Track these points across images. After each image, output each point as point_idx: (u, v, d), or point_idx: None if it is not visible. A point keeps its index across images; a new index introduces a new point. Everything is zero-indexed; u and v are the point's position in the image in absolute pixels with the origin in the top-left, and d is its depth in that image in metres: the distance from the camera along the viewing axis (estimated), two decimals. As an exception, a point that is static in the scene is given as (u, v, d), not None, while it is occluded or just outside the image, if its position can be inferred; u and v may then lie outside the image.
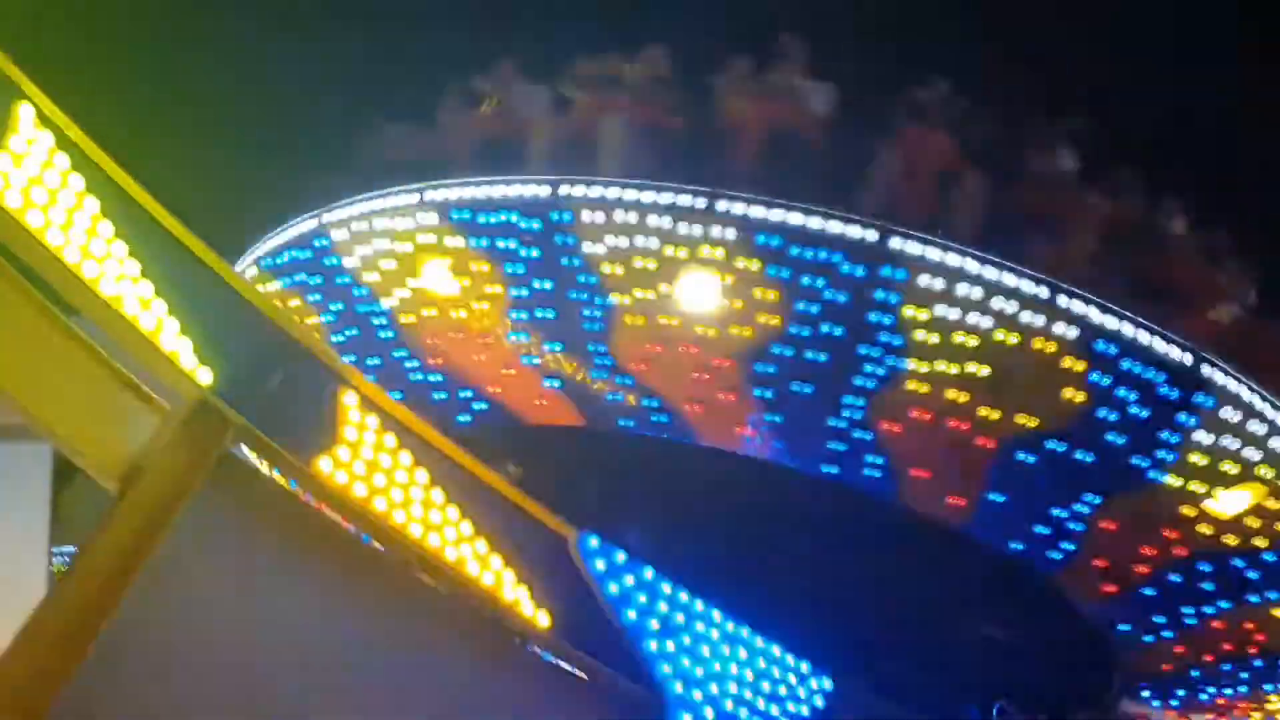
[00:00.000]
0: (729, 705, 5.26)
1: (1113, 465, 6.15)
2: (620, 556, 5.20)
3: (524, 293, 6.49)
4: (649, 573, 5.25)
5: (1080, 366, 5.92)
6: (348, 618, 4.67)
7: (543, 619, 4.99)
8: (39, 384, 4.78)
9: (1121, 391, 6.08)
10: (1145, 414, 6.45)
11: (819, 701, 5.63)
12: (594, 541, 5.16)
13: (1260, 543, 7.02)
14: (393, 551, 4.79)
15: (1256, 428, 7.11)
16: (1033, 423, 5.99)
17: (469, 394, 7.23)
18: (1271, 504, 7.10)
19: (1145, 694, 8.67)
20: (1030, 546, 6.15)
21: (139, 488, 4.37)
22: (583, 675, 5.20)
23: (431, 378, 7.30)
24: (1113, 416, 6.12)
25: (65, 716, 3.92)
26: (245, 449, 4.60)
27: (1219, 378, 6.93)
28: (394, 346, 7.40)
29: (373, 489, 4.67)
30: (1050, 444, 5.98)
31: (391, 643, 4.75)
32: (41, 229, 4.16)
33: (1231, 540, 6.93)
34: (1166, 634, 7.01)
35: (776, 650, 5.55)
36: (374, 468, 4.70)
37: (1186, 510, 6.75)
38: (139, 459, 4.86)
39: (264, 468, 4.65)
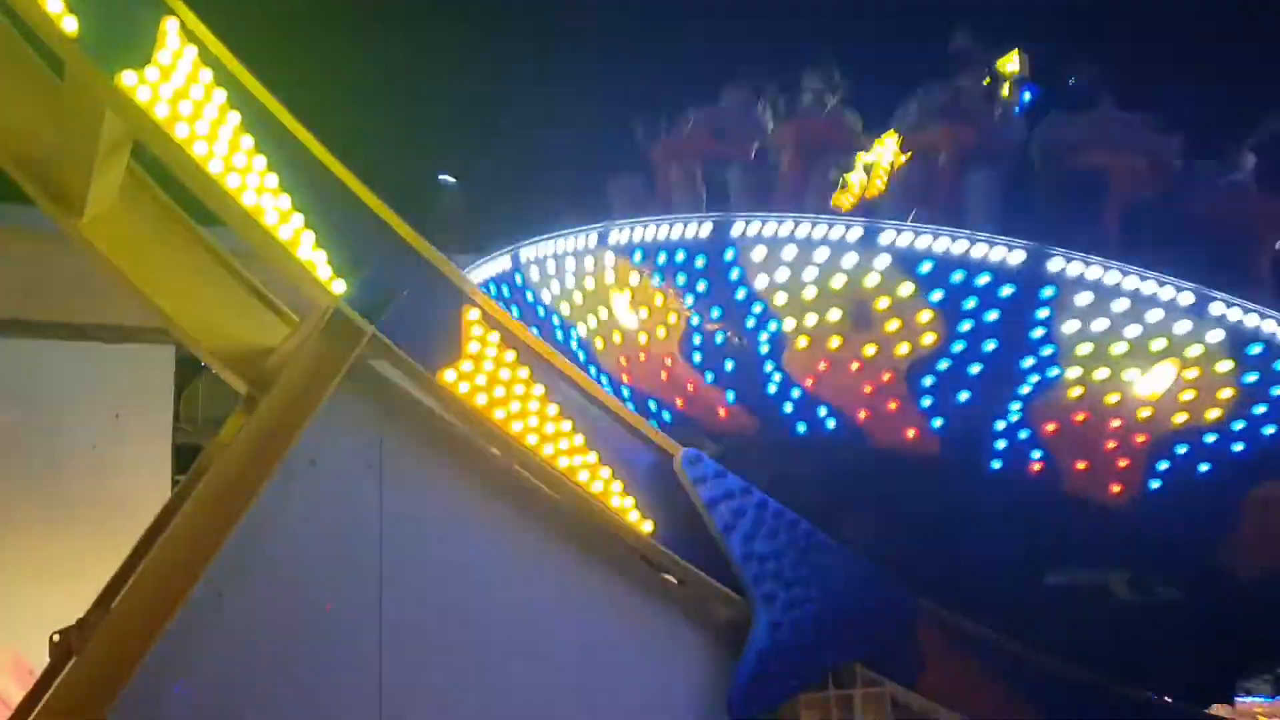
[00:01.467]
0: (818, 613, 5.51)
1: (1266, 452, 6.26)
2: (719, 470, 5.41)
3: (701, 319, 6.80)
4: (744, 486, 5.45)
5: (1229, 366, 5.99)
6: (472, 526, 4.96)
7: (646, 526, 5.23)
8: (177, 290, 5.03)
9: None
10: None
11: (906, 619, 5.91)
12: (695, 457, 5.38)
13: None
14: (511, 460, 5.02)
15: None
16: (1185, 417, 6.11)
17: (654, 405, 7.68)
18: None
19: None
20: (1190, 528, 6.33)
21: (275, 390, 4.61)
22: (676, 579, 5.47)
23: (622, 391, 7.75)
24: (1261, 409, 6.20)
25: (196, 617, 4.21)
26: (375, 359, 4.78)
27: None
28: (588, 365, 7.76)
29: (493, 400, 4.89)
30: (1206, 437, 6.12)
31: (510, 548, 5.04)
32: (187, 140, 4.29)
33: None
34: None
35: (865, 562, 5.79)
36: (494, 381, 4.90)
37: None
38: (271, 363, 5.15)
39: (393, 377, 4.84)
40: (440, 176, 12.88)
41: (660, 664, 5.36)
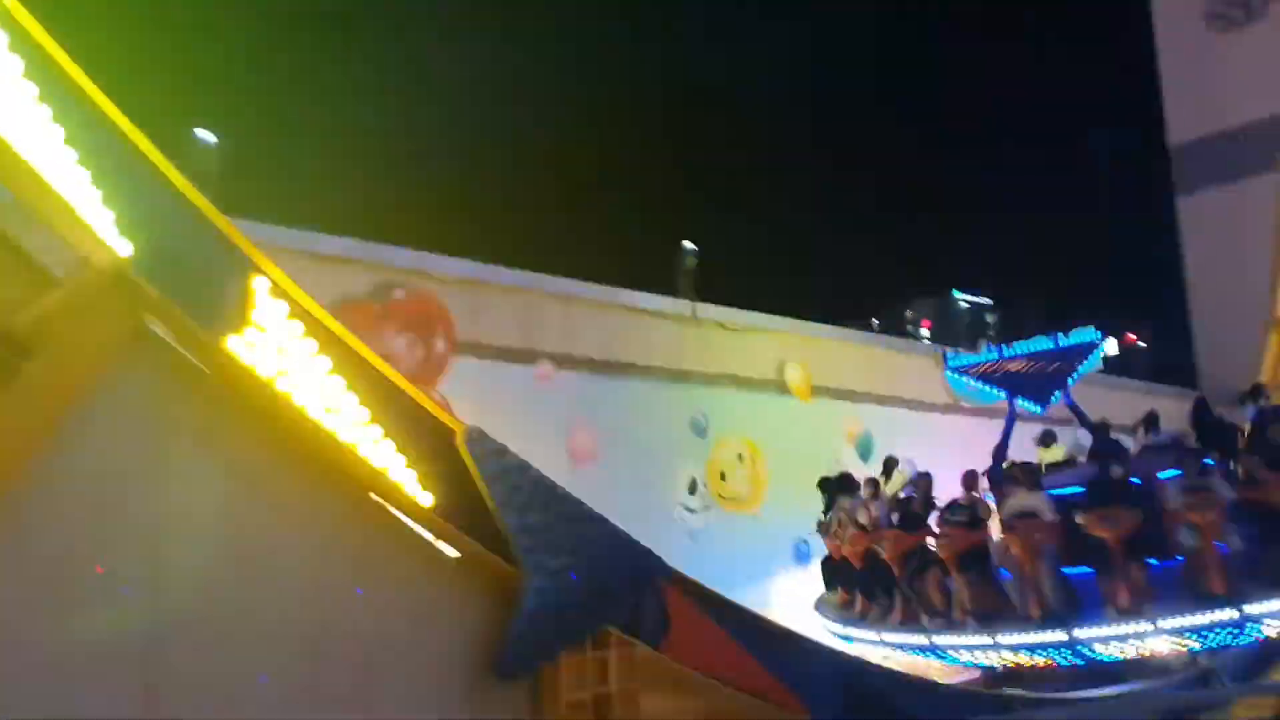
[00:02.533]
0: (582, 581, 5.91)
1: None
2: (499, 448, 5.69)
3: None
4: (523, 464, 5.77)
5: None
6: (250, 496, 4.96)
7: (427, 499, 5.44)
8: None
9: None
10: None
11: (658, 584, 6.42)
12: (478, 434, 5.63)
13: None
14: (292, 430, 5.07)
15: None
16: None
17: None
18: None
19: None
20: None
21: (48, 350, 4.46)
22: (455, 552, 5.70)
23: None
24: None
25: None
26: (156, 323, 4.72)
27: None
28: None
29: (278, 371, 4.94)
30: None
31: (288, 519, 5.08)
32: (-34, 86, 4.10)
33: None
34: None
35: (626, 535, 6.25)
36: (280, 351, 4.95)
37: None
38: (27, 321, 4.92)
39: (174, 344, 4.79)
40: (196, 131, 12.50)
41: (435, 630, 5.58)
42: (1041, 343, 14.13)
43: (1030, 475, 10.77)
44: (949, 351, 15.66)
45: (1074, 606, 9.46)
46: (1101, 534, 9.34)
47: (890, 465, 13.69)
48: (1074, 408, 13.82)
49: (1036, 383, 13.73)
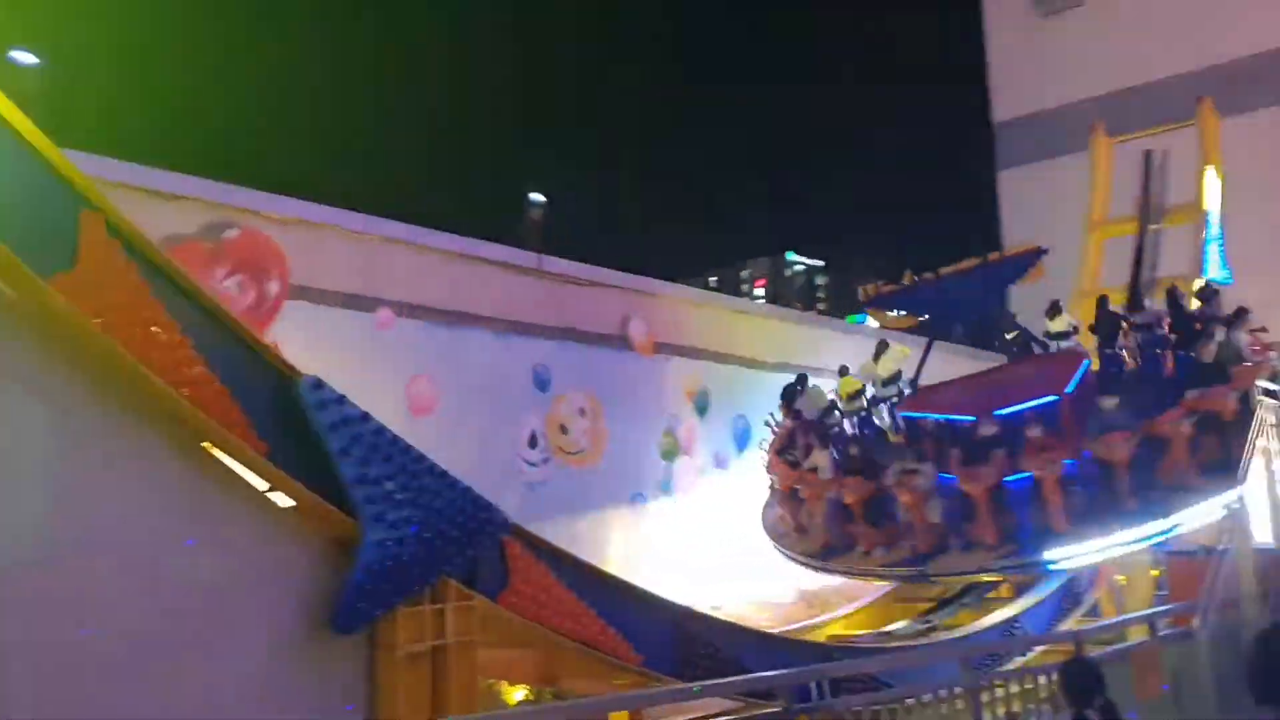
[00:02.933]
0: (419, 531, 5.92)
1: None
2: (339, 398, 5.61)
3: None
4: (363, 415, 5.71)
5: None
6: (79, 442, 4.77)
7: (262, 448, 5.33)
8: None
9: None
10: None
11: (497, 537, 6.49)
12: (316, 383, 5.54)
13: None
14: (124, 376, 4.88)
15: None
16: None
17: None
18: None
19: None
20: None
21: None
22: (290, 501, 5.61)
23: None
24: None
25: None
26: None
27: None
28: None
29: (108, 312, 4.73)
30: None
31: (116, 466, 4.90)
32: None
33: None
34: None
35: (466, 488, 6.27)
36: (112, 293, 4.74)
37: None
38: None
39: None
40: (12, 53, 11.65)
41: (269, 581, 5.50)
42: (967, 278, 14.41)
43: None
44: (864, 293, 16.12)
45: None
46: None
47: (881, 349, 14.24)
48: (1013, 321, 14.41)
49: (965, 300, 14.27)
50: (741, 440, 19.59)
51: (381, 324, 14.07)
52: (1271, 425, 11.32)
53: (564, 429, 16.44)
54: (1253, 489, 10.47)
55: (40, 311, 4.58)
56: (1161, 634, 9.20)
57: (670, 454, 18.30)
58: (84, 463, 4.76)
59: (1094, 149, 19.66)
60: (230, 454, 5.26)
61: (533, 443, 15.85)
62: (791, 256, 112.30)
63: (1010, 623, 11.31)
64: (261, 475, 5.43)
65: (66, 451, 4.70)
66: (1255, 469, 10.45)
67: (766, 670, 8.03)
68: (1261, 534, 10.81)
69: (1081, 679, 6.15)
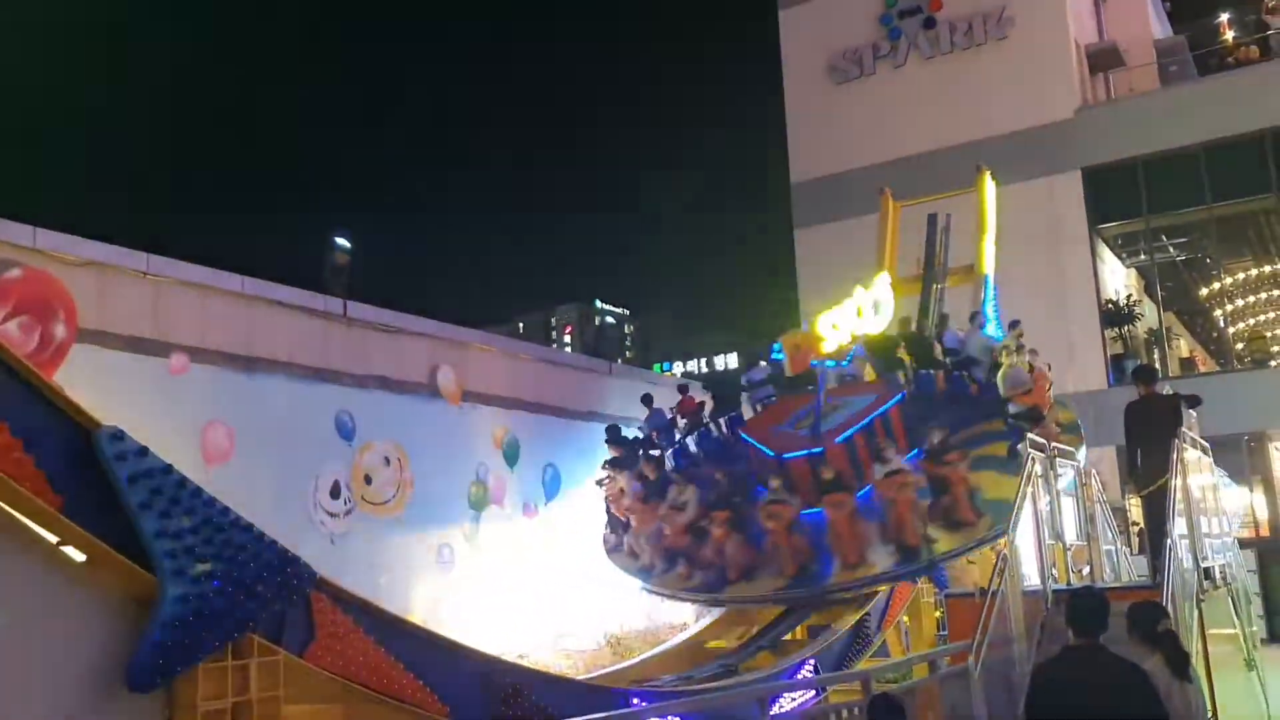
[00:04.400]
0: (222, 588, 5.81)
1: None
2: (139, 449, 5.47)
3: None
4: (165, 467, 5.58)
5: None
6: None
7: (55, 500, 5.13)
8: None
9: None
10: None
11: (302, 590, 6.41)
12: (117, 434, 5.38)
13: None
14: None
15: None
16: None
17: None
18: None
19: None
20: None
21: None
22: (82, 556, 5.40)
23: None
24: None
25: None
26: None
27: None
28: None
29: (-113, 360, 4.50)
30: None
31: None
32: None
33: None
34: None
35: (270, 540, 6.19)
36: (-109, 339, 4.51)
37: None
38: None
39: None
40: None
41: (59, 639, 5.26)
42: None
43: None
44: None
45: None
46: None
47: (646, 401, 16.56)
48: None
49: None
50: (551, 488, 19.76)
51: (175, 369, 13.51)
52: (1039, 476, 12.43)
53: (368, 479, 16.13)
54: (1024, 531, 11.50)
55: None
56: (941, 672, 9.92)
57: (479, 503, 18.25)
58: None
59: (883, 211, 21.06)
60: (19, 509, 5.05)
61: (335, 492, 15.48)
62: (599, 304, 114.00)
63: (803, 662, 11.89)
64: (52, 530, 5.22)
65: None
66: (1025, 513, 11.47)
67: (573, 716, 8.19)
68: (1031, 576, 11.82)
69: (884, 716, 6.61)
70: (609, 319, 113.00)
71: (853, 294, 16.80)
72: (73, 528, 5.21)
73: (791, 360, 16.10)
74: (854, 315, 16.61)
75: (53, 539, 5.26)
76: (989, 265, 19.23)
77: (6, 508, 5.03)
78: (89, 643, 5.36)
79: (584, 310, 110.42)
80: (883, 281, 17.62)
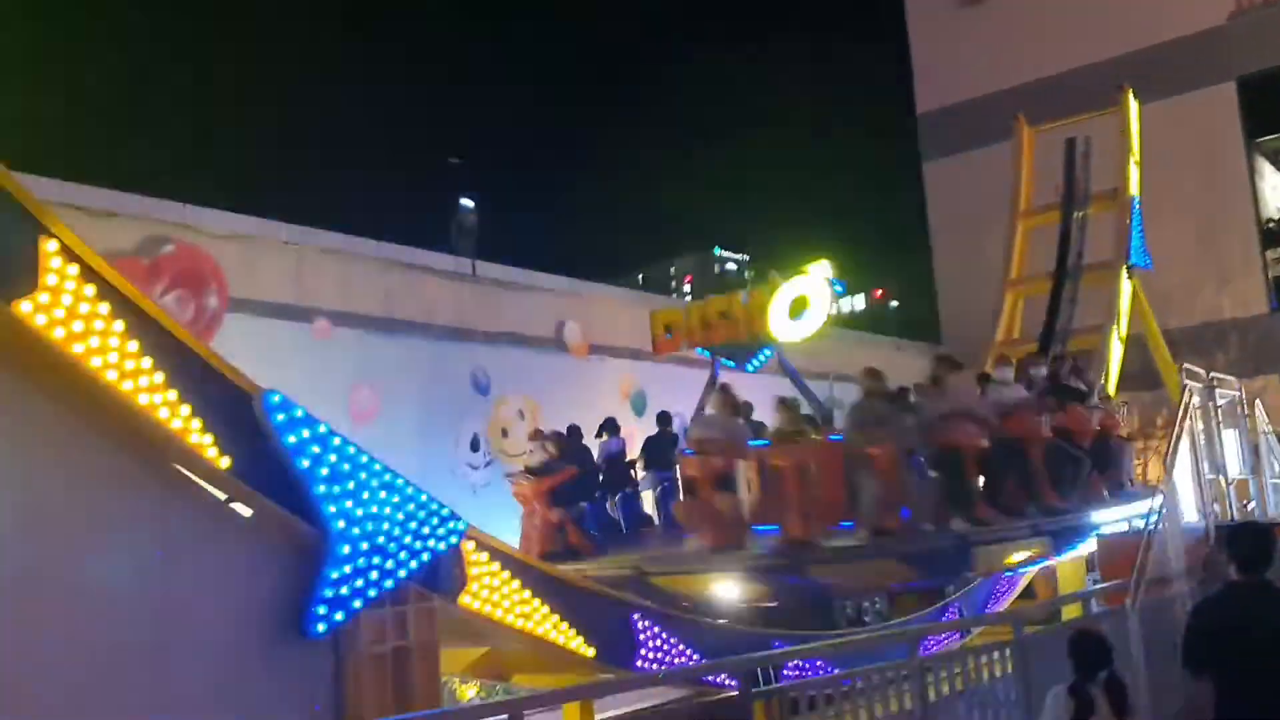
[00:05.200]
0: (379, 539, 6.12)
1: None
2: (299, 412, 5.77)
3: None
4: (323, 427, 5.88)
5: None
6: (47, 466, 4.88)
7: (224, 462, 5.48)
8: None
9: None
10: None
11: (453, 540, 6.69)
12: (276, 398, 5.69)
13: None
14: (89, 396, 5.00)
15: None
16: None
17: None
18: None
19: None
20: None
21: None
22: (249, 511, 5.75)
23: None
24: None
25: None
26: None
27: None
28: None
29: (70, 334, 4.85)
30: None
31: (85, 485, 5.03)
32: None
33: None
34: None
35: (423, 496, 6.47)
36: (73, 315, 4.86)
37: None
38: None
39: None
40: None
41: (233, 591, 5.64)
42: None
43: None
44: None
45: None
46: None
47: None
48: (785, 365, 13.09)
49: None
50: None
51: (319, 333, 14.11)
52: (1196, 409, 11.89)
53: (504, 432, 16.60)
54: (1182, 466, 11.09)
55: (4, 338, 4.68)
56: (1095, 613, 9.72)
57: (609, 453, 18.53)
58: (50, 483, 4.87)
59: (1017, 138, 20.24)
60: (195, 470, 5.40)
61: (474, 446, 15.99)
62: (718, 251, 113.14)
63: (949, 605, 11.79)
64: (225, 489, 5.57)
65: (34, 473, 4.81)
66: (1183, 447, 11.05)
67: (714, 658, 8.37)
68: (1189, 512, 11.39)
69: (1089, 651, 6.40)
70: (729, 264, 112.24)
71: (775, 284, 12.01)
72: (240, 486, 5.54)
73: (659, 342, 13.37)
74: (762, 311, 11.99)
75: (222, 496, 5.61)
76: (1134, 187, 18.35)
77: (180, 468, 5.39)
78: (260, 593, 5.72)
79: (703, 258, 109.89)
80: (818, 273, 12.78)
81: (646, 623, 8.19)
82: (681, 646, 8.45)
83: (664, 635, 8.30)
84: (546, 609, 7.47)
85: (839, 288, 12.65)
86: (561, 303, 18.47)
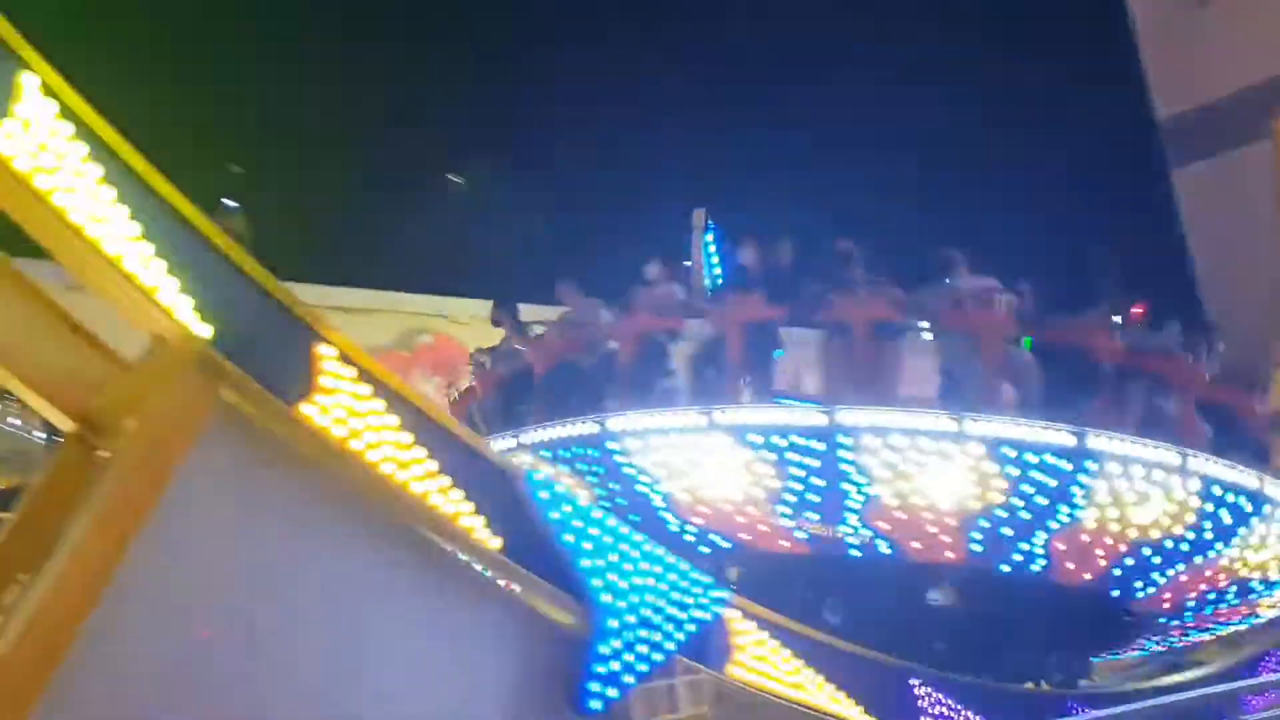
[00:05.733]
0: (645, 612, 6.12)
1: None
2: (559, 488, 5.91)
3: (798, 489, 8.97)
4: (584, 501, 5.98)
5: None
6: (332, 550, 5.19)
7: (494, 543, 5.65)
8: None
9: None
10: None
11: (717, 608, 6.62)
12: (538, 476, 5.85)
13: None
14: (368, 488, 5.28)
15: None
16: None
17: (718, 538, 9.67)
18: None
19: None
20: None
21: (139, 431, 4.68)
22: (520, 588, 5.88)
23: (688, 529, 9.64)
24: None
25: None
26: (234, 396, 4.92)
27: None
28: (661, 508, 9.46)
29: (351, 432, 5.16)
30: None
31: (368, 570, 5.30)
32: (48, 192, 4.33)
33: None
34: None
35: (685, 566, 6.45)
36: (351, 413, 5.18)
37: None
38: (107, 402, 5.12)
39: (253, 415, 4.99)
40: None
41: (506, 668, 5.77)
42: None
43: None
44: None
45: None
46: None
47: None
48: None
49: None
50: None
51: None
52: None
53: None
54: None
55: (290, 439, 5.02)
56: None
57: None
58: (343, 574, 5.16)
59: (1277, 138, 18.65)
60: (472, 554, 5.60)
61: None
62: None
63: (1265, 655, 10.54)
64: (497, 569, 5.73)
65: (328, 568, 5.11)
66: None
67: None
68: None
69: None
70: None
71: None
72: (513, 566, 5.68)
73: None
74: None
75: (497, 577, 5.78)
76: None
77: (461, 552, 5.60)
78: (532, 670, 5.82)
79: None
80: None
81: (926, 688, 7.79)
82: (962, 709, 7.99)
83: (943, 699, 7.87)
84: (822, 678, 7.25)
85: None
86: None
